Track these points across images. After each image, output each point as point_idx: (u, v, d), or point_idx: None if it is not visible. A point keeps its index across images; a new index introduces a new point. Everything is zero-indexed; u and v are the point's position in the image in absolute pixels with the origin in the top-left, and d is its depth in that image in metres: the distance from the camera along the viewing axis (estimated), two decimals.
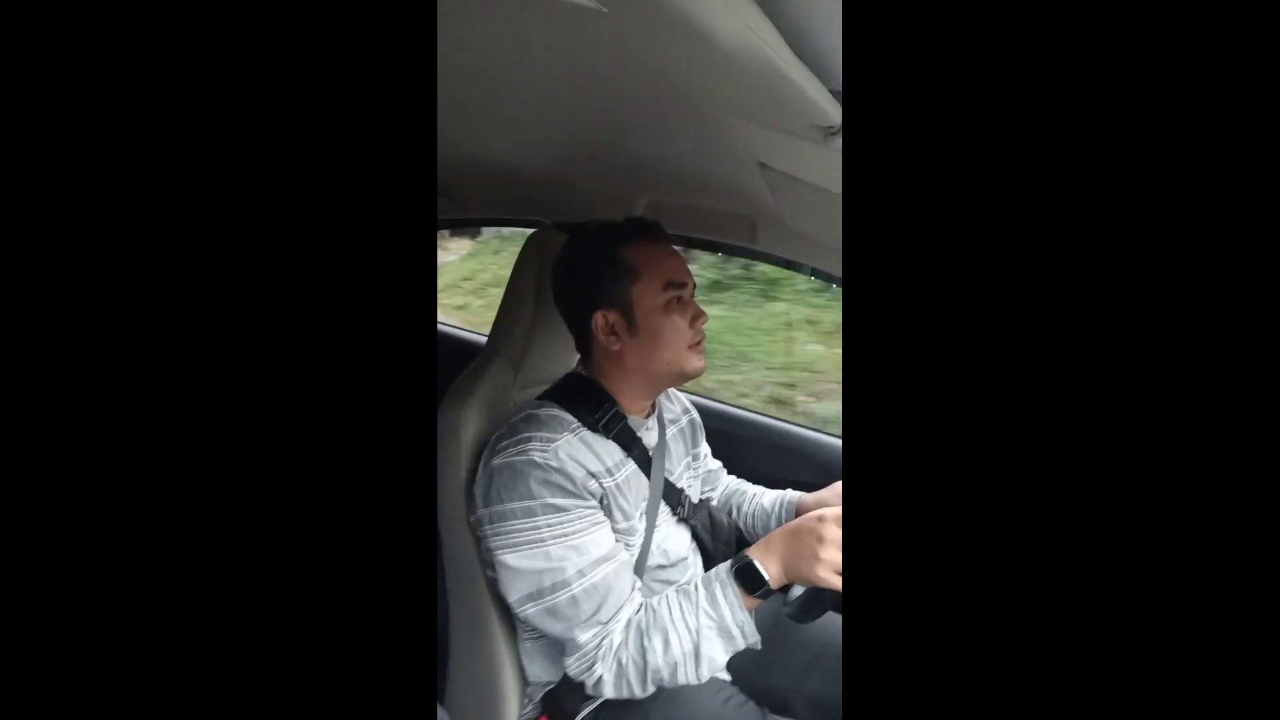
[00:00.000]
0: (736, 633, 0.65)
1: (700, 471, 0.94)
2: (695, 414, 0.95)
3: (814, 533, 0.63)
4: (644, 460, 0.77)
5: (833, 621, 0.88)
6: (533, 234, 0.87)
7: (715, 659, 0.66)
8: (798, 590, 0.67)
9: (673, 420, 0.88)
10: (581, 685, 0.69)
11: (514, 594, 0.68)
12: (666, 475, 0.80)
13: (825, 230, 0.80)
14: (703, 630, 0.65)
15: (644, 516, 0.75)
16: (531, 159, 0.89)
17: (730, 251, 1.01)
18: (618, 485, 0.71)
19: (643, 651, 0.65)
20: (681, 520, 0.82)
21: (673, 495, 0.81)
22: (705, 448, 0.97)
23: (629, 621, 0.67)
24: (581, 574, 0.66)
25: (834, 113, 0.39)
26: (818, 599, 0.66)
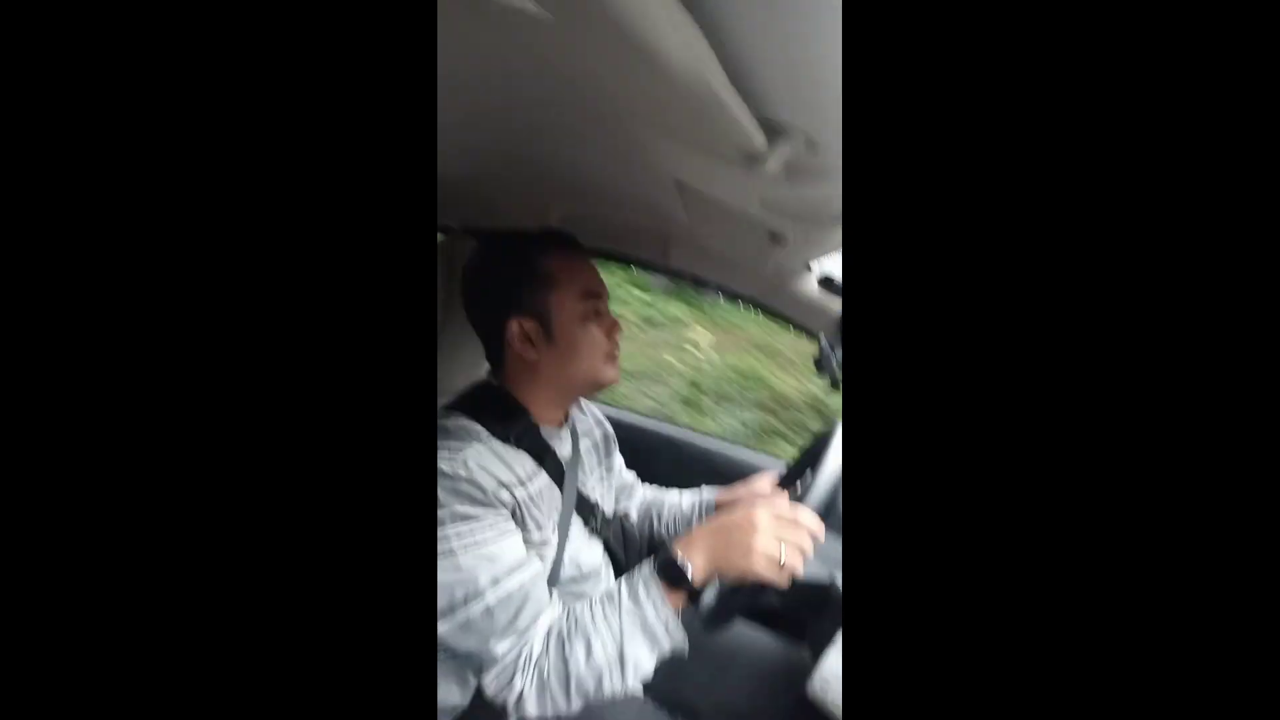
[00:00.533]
0: (661, 631, 0.64)
1: (614, 484, 0.93)
2: (608, 426, 0.95)
3: (745, 523, 0.63)
4: (556, 471, 0.75)
5: (743, 631, 0.91)
6: (439, 241, 0.84)
7: (640, 662, 0.63)
8: (709, 598, 0.67)
9: (585, 432, 0.88)
10: (499, 711, 0.65)
11: None
12: (579, 487, 0.79)
13: (737, 250, 0.83)
14: (626, 631, 0.63)
15: (556, 529, 0.73)
16: (442, 163, 0.85)
17: (642, 265, 1.02)
18: (530, 496, 0.69)
19: (564, 660, 0.62)
20: (594, 533, 0.81)
21: (585, 508, 0.80)
22: (619, 460, 0.96)
23: (549, 629, 0.64)
24: (495, 582, 0.62)
25: (759, 139, 0.40)
26: (727, 606, 0.67)
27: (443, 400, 0.77)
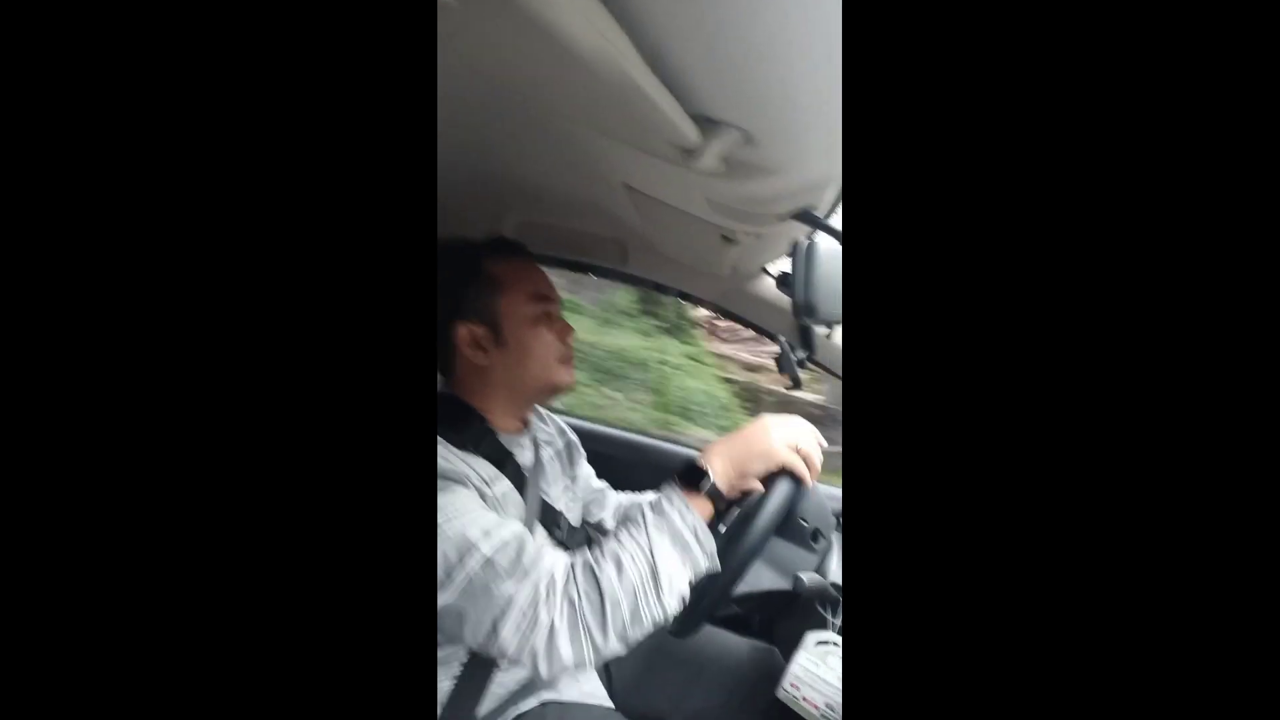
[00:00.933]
0: (690, 539, 0.61)
1: (580, 494, 0.92)
2: (572, 435, 0.94)
3: (756, 425, 0.66)
4: (518, 478, 0.73)
5: (712, 638, 0.90)
6: None
7: (674, 578, 0.60)
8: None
9: (547, 441, 0.86)
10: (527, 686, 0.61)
11: None
12: (542, 496, 0.77)
13: (691, 253, 0.83)
14: (655, 544, 0.60)
15: None
16: None
17: (601, 274, 1.02)
18: (494, 498, 0.68)
19: (596, 582, 0.58)
20: (559, 543, 0.78)
21: (550, 517, 0.78)
22: (585, 469, 0.95)
23: (572, 563, 0.60)
24: (487, 534, 0.59)
25: (691, 133, 0.40)
26: (695, 611, 0.66)
27: None
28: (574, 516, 0.85)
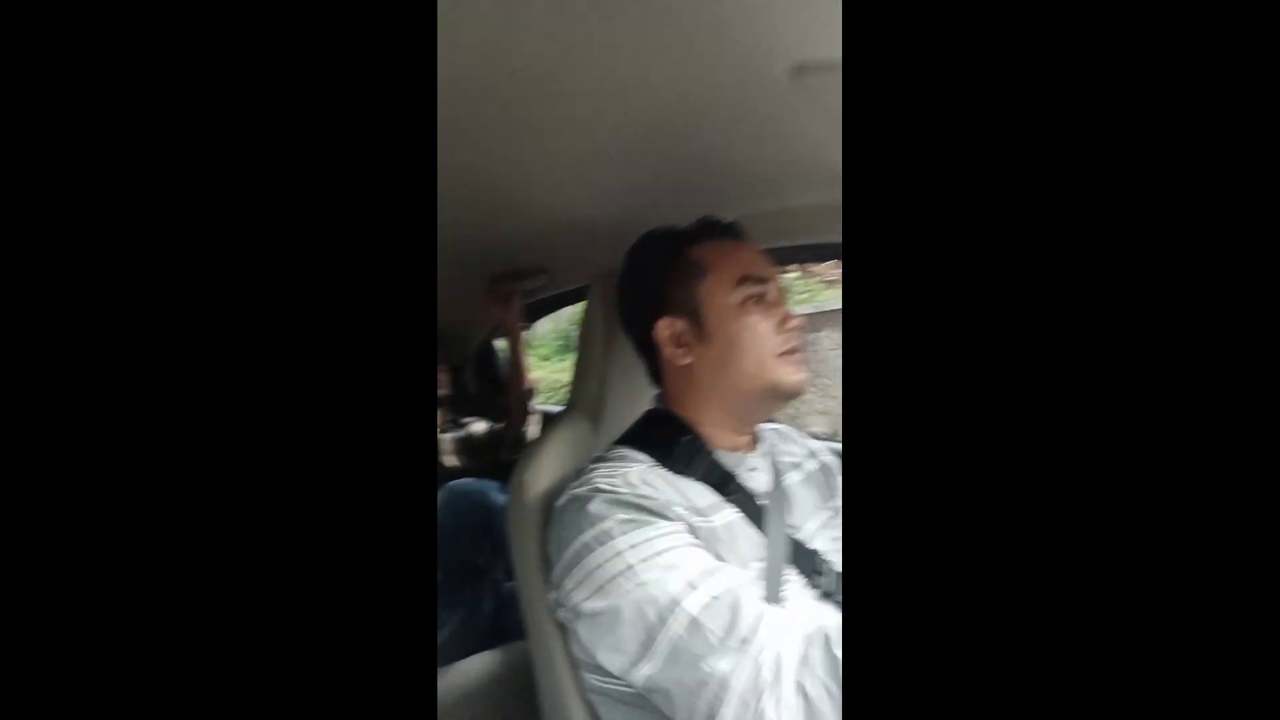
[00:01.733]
0: None
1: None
2: (831, 457, 0.75)
3: None
4: (750, 508, 0.58)
5: None
6: (596, 280, 0.81)
7: None
8: None
9: (794, 463, 0.69)
10: None
11: (619, 658, 0.49)
12: (792, 532, 0.60)
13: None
14: None
15: (763, 583, 0.55)
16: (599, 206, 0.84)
17: (829, 255, 0.85)
18: (714, 530, 0.54)
19: (838, 666, 0.42)
20: (825, 595, 0.59)
21: (805, 560, 0.59)
22: None
23: (808, 637, 0.45)
24: (692, 586, 0.47)
25: None
26: None
27: (612, 436, 0.69)
28: (841, 561, 0.64)
